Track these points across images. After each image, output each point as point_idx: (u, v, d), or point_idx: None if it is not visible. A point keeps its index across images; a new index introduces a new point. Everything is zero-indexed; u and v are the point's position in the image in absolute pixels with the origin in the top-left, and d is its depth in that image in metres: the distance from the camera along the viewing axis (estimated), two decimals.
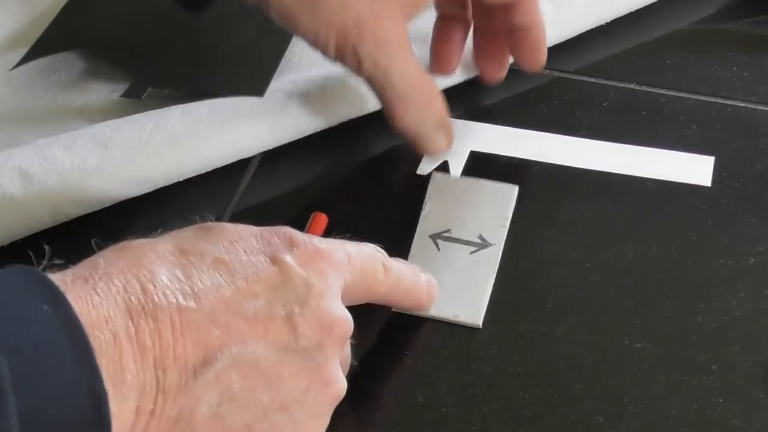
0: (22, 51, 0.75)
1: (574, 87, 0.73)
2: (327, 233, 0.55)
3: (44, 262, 0.49)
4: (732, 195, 0.66)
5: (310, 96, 0.69)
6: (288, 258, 0.50)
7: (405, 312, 0.60)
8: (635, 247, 0.64)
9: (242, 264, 0.50)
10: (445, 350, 0.60)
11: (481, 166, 0.68)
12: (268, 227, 0.52)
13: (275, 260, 0.50)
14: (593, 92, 0.73)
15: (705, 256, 0.63)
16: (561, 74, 0.74)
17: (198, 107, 0.68)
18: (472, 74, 0.72)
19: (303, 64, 0.67)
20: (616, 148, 0.69)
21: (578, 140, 0.70)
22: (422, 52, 0.70)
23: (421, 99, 0.65)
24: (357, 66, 0.64)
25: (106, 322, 0.46)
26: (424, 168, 0.68)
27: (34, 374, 0.43)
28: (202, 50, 0.74)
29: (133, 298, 0.47)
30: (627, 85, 0.73)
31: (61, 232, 0.65)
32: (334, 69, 0.67)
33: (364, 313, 0.56)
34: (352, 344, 0.55)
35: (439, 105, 0.66)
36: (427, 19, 0.70)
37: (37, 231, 0.64)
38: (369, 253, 0.55)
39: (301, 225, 0.61)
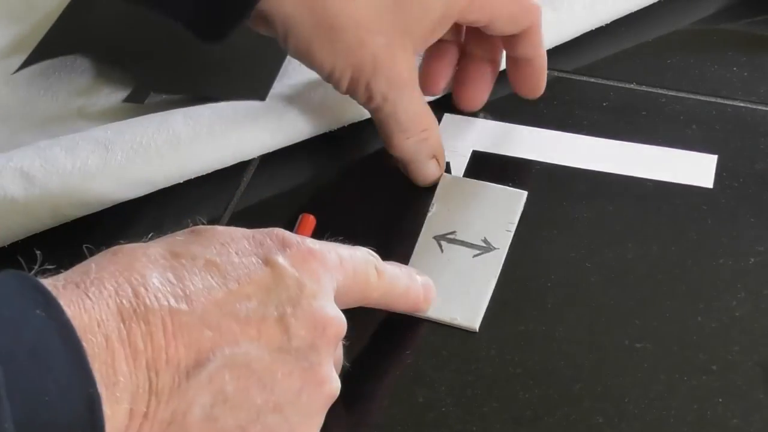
0: (24, 54, 0.75)
1: (574, 87, 0.73)
2: (323, 236, 0.55)
3: (35, 267, 0.49)
4: (732, 195, 0.66)
5: (311, 100, 0.70)
6: (280, 259, 0.51)
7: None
8: (635, 247, 0.64)
9: (234, 266, 0.50)
10: (444, 350, 0.60)
11: (482, 166, 0.68)
12: (260, 229, 0.52)
13: (268, 261, 0.50)
14: (593, 92, 0.73)
15: (705, 256, 0.63)
16: (561, 74, 0.74)
17: (200, 111, 0.69)
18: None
19: (304, 68, 0.67)
20: (620, 146, 0.69)
21: (581, 138, 0.70)
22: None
23: (419, 131, 0.66)
24: (366, 100, 0.65)
25: (99, 326, 0.46)
26: None
27: (28, 379, 0.43)
28: (204, 55, 0.74)
29: (124, 302, 0.47)
30: (627, 85, 0.73)
31: (60, 233, 0.65)
32: None
33: (364, 313, 0.56)
34: (344, 345, 0.55)
35: (435, 136, 0.67)
36: None
37: (38, 232, 0.65)
38: (361, 257, 0.55)
39: None
